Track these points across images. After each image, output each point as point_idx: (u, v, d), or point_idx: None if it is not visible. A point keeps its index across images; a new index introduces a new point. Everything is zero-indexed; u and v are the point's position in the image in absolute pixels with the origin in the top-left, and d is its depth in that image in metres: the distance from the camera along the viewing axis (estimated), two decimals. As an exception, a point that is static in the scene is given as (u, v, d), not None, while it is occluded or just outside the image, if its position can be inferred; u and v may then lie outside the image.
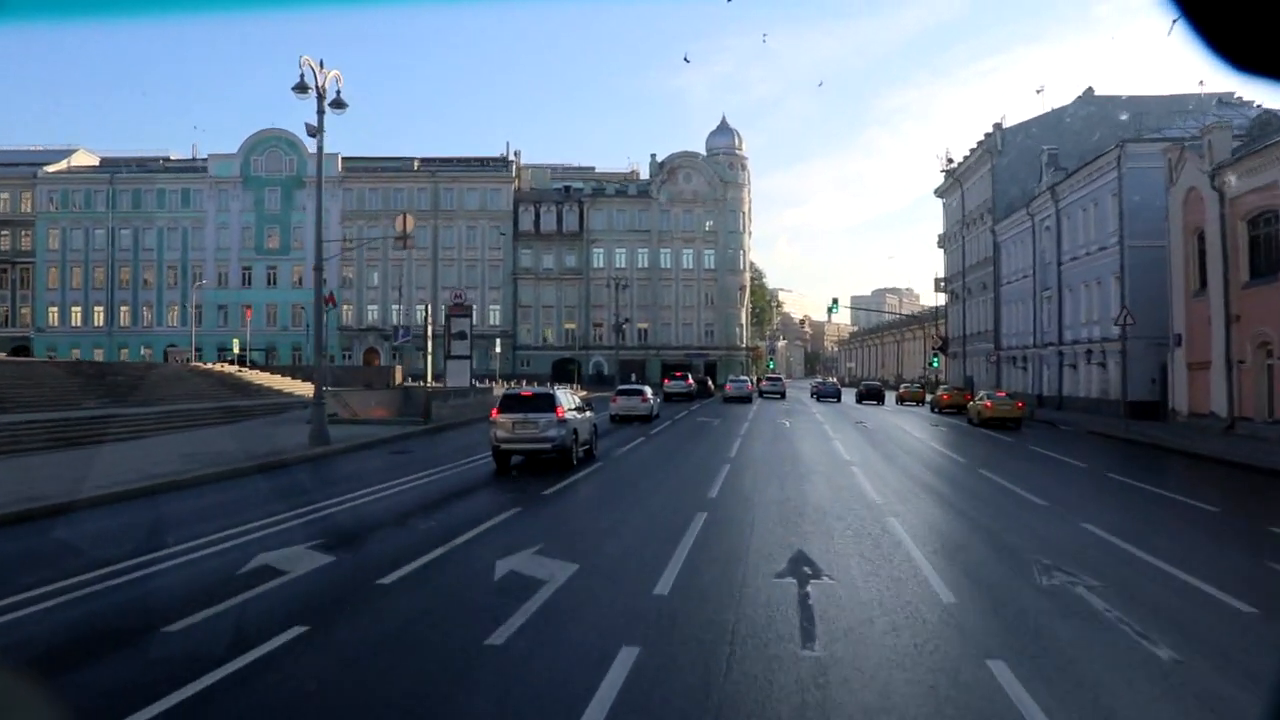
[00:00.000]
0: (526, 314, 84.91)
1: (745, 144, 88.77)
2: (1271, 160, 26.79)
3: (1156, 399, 35.42)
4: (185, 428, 27.86)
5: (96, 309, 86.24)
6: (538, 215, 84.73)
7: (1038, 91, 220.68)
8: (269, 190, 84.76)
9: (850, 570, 9.57)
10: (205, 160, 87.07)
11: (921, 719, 5.63)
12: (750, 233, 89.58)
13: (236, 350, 68.63)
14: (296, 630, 7.28)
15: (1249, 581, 9.37)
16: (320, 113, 23.93)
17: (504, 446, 18.84)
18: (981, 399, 36.88)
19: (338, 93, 24.32)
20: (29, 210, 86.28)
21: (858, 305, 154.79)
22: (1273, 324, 27.04)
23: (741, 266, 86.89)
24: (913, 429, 33.76)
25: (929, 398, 54.03)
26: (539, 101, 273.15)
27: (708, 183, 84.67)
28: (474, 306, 77.40)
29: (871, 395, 57.38)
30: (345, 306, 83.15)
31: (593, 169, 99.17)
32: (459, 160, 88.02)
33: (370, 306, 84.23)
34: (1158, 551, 10.63)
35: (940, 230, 77.26)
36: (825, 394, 61.04)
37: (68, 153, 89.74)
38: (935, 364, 75.45)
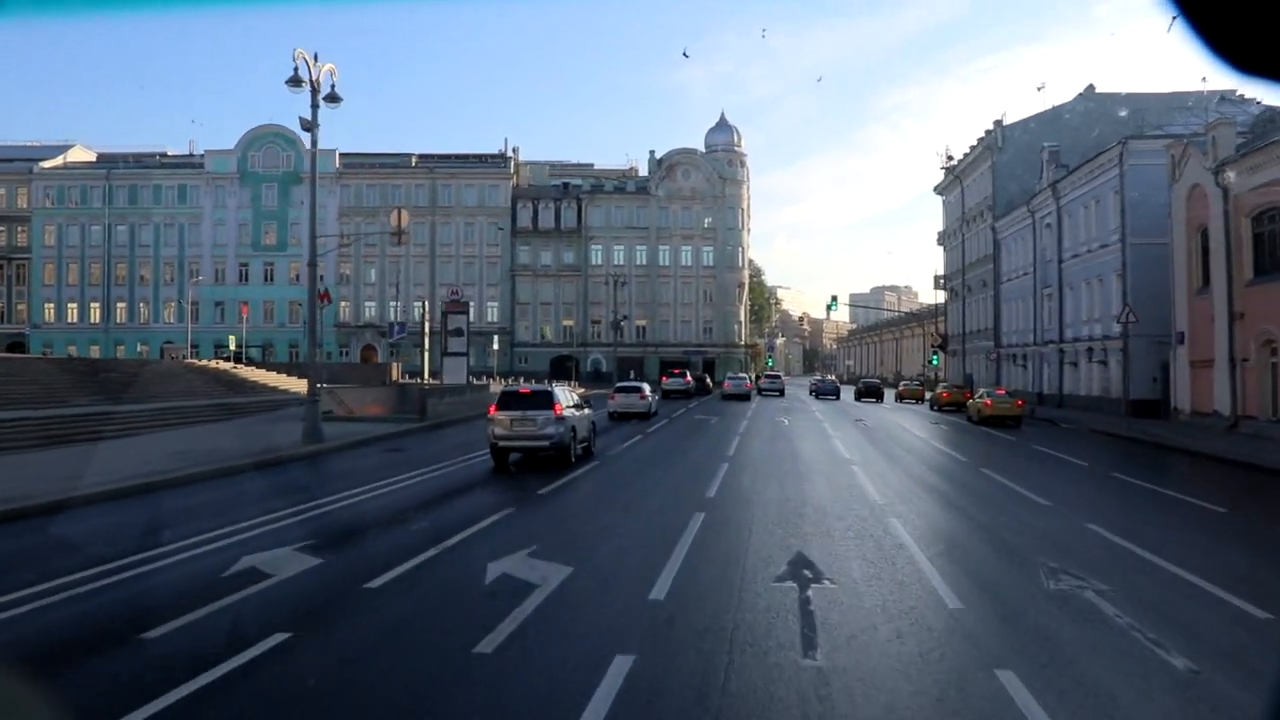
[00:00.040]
0: (524, 311, 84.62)
1: (744, 141, 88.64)
2: (1276, 157, 26.54)
3: (1158, 397, 35.18)
4: (178, 425, 27.58)
5: (93, 305, 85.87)
6: (536, 212, 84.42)
7: (1039, 89, 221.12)
8: (266, 186, 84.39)
9: (852, 573, 9.30)
10: (202, 156, 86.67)
11: (929, 734, 5.37)
12: (749, 230, 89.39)
13: (232, 347, 68.26)
14: (279, 637, 7.01)
15: (1262, 585, 9.10)
16: (314, 107, 23.64)
17: (502, 444, 18.73)
18: (981, 397, 36.67)
19: (332, 87, 24.02)
20: (25, 206, 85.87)
21: (856, 303, 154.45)
22: (1277, 322, 26.80)
23: (740, 264, 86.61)
24: (913, 427, 33.51)
25: (928, 395, 53.81)
26: (538, 98, 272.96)
27: (706, 179, 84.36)
28: (472, 303, 77.15)
29: (870, 393, 57.12)
30: (343, 303, 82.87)
31: (591, 165, 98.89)
32: (457, 156, 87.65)
33: (368, 303, 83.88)
34: (1166, 554, 10.37)
35: (940, 228, 77.01)
36: (824, 392, 60.79)
37: (64, 148, 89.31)
38: (935, 362, 75.23)
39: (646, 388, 36.68)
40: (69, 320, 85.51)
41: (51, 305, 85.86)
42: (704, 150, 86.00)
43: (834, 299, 72.13)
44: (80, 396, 30.41)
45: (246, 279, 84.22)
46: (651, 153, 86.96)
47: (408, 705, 5.78)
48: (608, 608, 8.09)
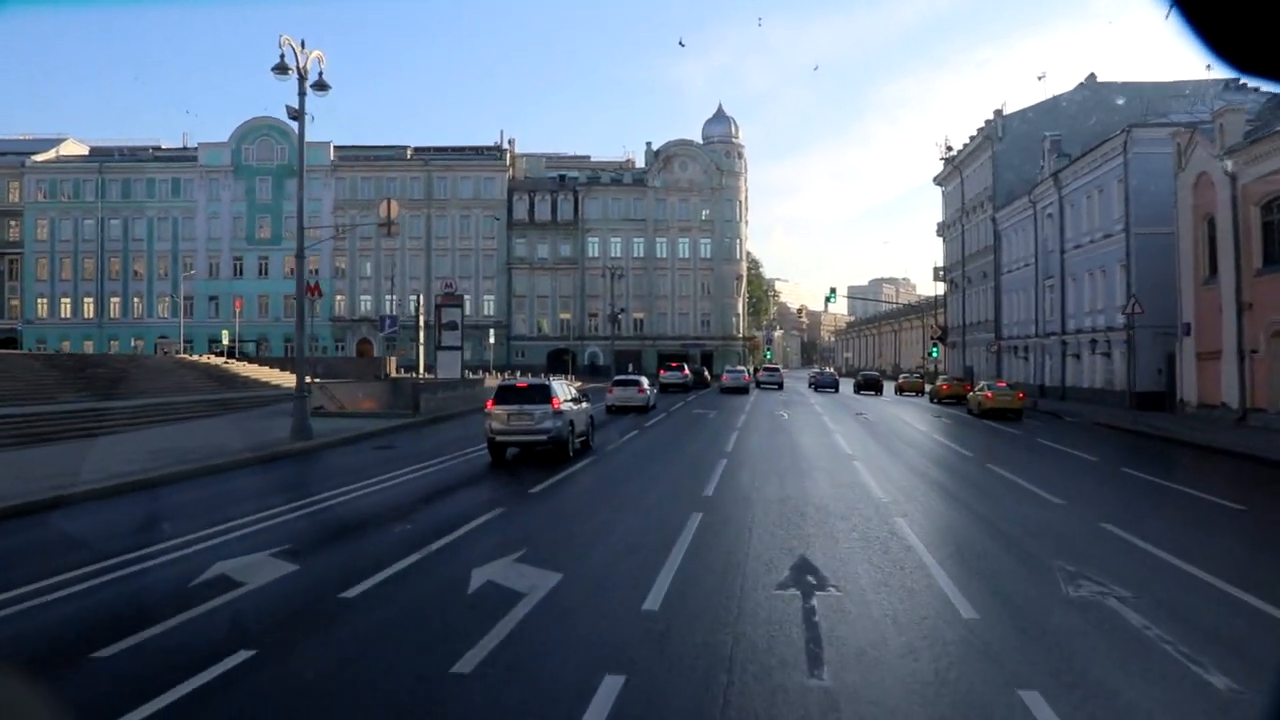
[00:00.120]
0: (521, 304, 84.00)
1: (742, 133, 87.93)
2: (1286, 144, 25.98)
3: (1163, 390, 34.65)
4: (164, 422, 27.01)
5: (86, 300, 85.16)
6: (532, 204, 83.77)
7: (1040, 78, 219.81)
8: (260, 179, 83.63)
9: (859, 580, 8.76)
10: (196, 149, 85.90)
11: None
12: (747, 222, 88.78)
13: (225, 342, 67.63)
14: (242, 655, 6.48)
15: (1295, 591, 8.56)
16: (301, 95, 23.09)
17: (499, 438, 18.50)
18: (982, 389, 36.18)
19: (320, 74, 23.49)
20: (17, 200, 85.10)
21: (855, 295, 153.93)
22: (1287, 312, 26.29)
23: (738, 256, 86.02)
24: (914, 420, 32.99)
25: (928, 388, 53.31)
26: (534, 92, 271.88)
27: (704, 171, 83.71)
28: (468, 297, 76.73)
29: (870, 385, 56.61)
30: (338, 297, 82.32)
31: (588, 158, 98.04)
32: (453, 149, 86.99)
33: (363, 297, 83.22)
34: (1189, 556, 9.83)
35: (939, 219, 76.42)
36: (823, 384, 60.24)
37: (56, 142, 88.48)
38: (935, 354, 74.69)
39: (645, 381, 36.27)
40: (62, 315, 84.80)
41: (45, 300, 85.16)
42: (701, 142, 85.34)
43: (832, 291, 71.57)
44: (67, 393, 29.85)
45: (241, 273, 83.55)
46: (648, 144, 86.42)
47: (373, 736, 5.25)
48: (598, 620, 7.54)
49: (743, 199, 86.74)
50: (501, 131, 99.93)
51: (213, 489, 15.63)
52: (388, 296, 75.87)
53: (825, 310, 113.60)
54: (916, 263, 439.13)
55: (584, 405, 21.28)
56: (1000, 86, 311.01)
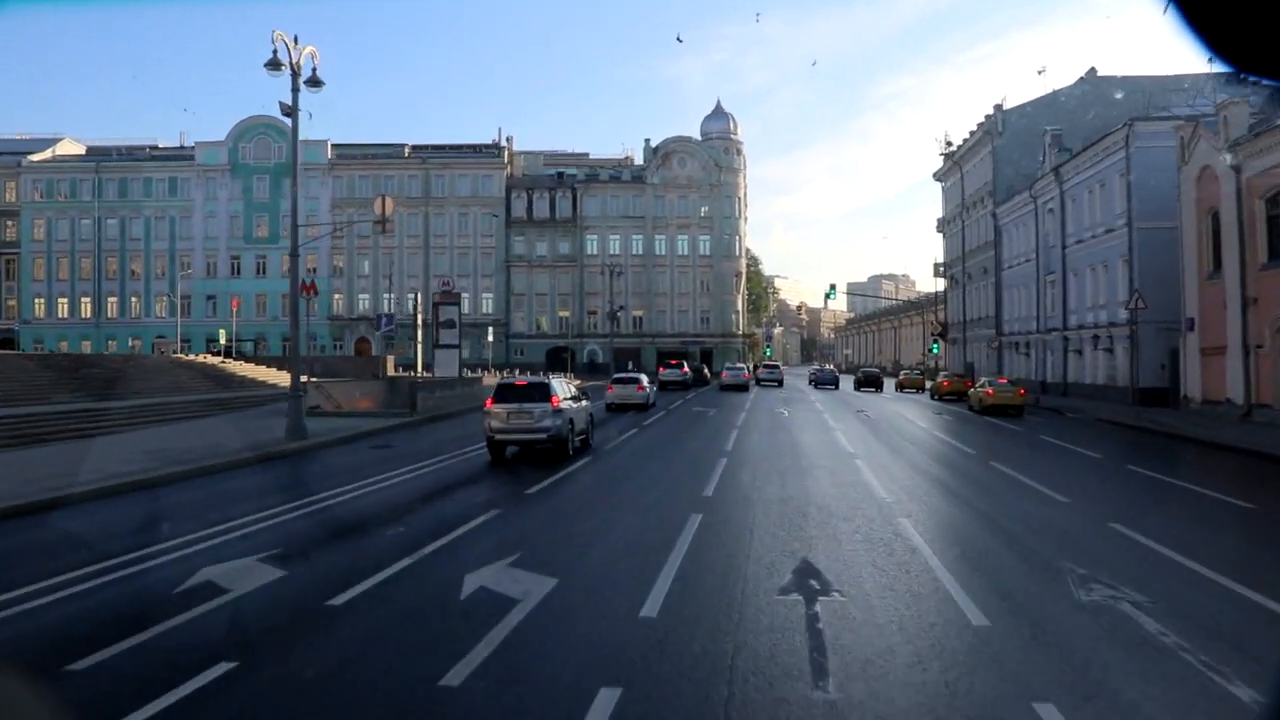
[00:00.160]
0: (520, 302, 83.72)
1: (740, 129, 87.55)
2: (1290, 137, 25.69)
3: (1166, 385, 34.38)
4: (160, 422, 26.75)
5: (83, 300, 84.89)
6: (530, 202, 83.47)
7: (1040, 72, 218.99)
8: (257, 178, 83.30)
9: (863, 584, 8.49)
10: (193, 148, 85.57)
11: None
12: (746, 218, 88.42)
13: (223, 341, 67.35)
14: (223, 667, 6.22)
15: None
16: (295, 90, 22.83)
17: (498, 437, 18.41)
18: (983, 386, 35.95)
19: (314, 70, 23.21)
20: (14, 200, 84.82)
21: (855, 291, 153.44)
22: (1293, 307, 26.00)
23: (737, 252, 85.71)
24: (916, 418, 32.71)
25: (929, 385, 53.04)
26: (532, 89, 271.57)
27: (702, 167, 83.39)
28: (466, 295, 76.43)
29: (870, 382, 56.34)
30: (336, 295, 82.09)
31: (586, 155, 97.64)
32: (450, 147, 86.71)
33: (361, 295, 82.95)
34: (1200, 557, 9.56)
35: (939, 214, 76.15)
36: (823, 381, 59.98)
37: (52, 141, 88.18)
38: (935, 350, 74.42)
39: (644, 379, 36.09)
40: (59, 315, 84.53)
41: (42, 300, 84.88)
42: (700, 138, 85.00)
43: (832, 287, 71.23)
44: (61, 393, 29.58)
45: (239, 272, 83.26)
46: (647, 141, 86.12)
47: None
48: (594, 628, 7.27)
49: (741, 195, 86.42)
50: (499, 129, 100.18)
51: (205, 490, 15.39)
52: (386, 295, 75.56)
53: (825, 307, 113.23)
54: (916, 259, 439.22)
55: (584, 403, 21.16)
56: (999, 82, 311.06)
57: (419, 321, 45.06)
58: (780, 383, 59.54)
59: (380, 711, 5.60)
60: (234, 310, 74.31)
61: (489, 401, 18.87)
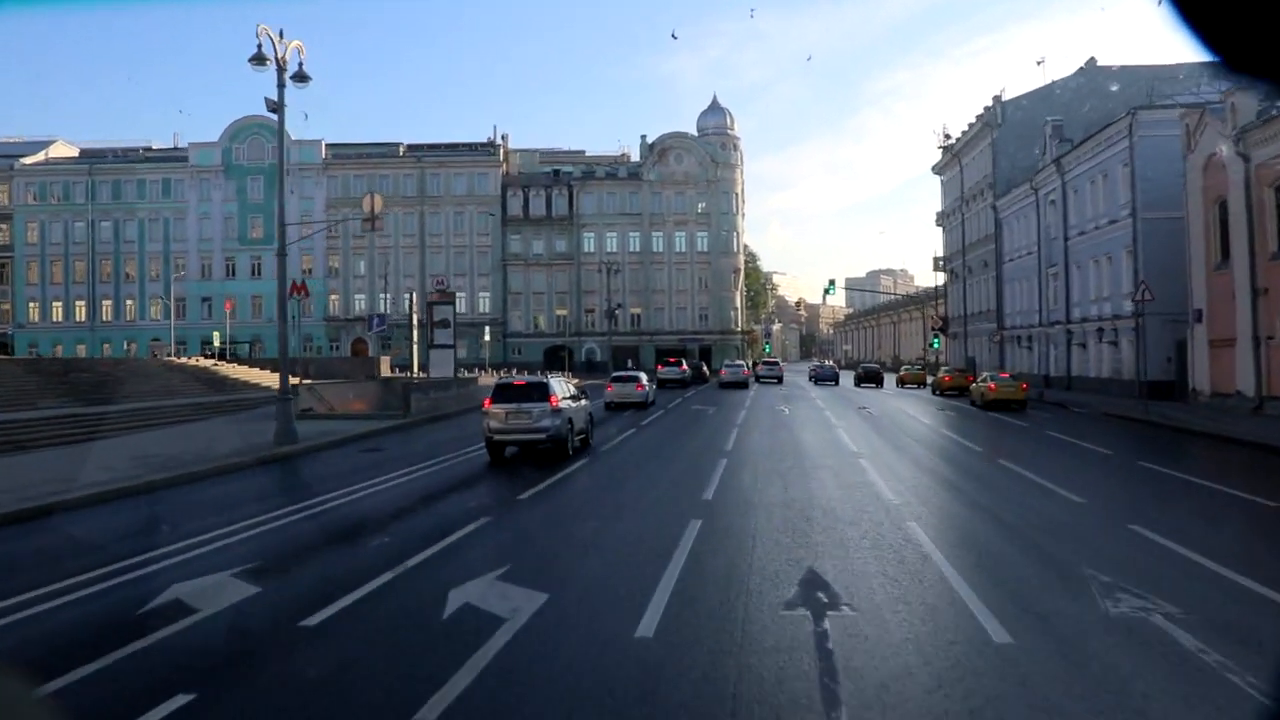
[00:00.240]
0: (517, 301, 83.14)
1: (737, 124, 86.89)
2: (1300, 123, 25.13)
3: (1173, 378, 33.86)
4: (149, 427, 26.19)
5: (78, 303, 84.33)
6: (526, 199, 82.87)
7: (1038, 63, 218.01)
8: (251, 179, 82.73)
9: (874, 596, 7.94)
10: (186, 149, 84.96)
11: None
12: (743, 214, 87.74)
13: (217, 343, 66.77)
14: (179, 700, 5.69)
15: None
16: (280, 86, 22.35)
17: (497, 438, 18.21)
18: (985, 380, 35.52)
19: (300, 65, 22.72)
20: (6, 203, 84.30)
21: (854, 286, 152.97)
22: (1304, 297, 25.45)
23: (735, 249, 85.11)
24: (918, 414, 32.20)
25: (930, 380, 52.56)
26: (527, 88, 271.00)
27: (699, 163, 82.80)
28: (463, 294, 75.91)
29: (870, 378, 55.91)
30: (332, 296, 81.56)
31: (583, 152, 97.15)
32: (446, 145, 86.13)
33: (357, 296, 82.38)
34: (1229, 561, 9.01)
35: (938, 208, 75.66)
36: (823, 377, 59.59)
37: (45, 144, 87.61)
38: (936, 345, 73.90)
39: (644, 377, 35.69)
40: (54, 319, 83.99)
41: (36, 304, 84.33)
42: (696, 134, 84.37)
43: (831, 283, 70.87)
44: (48, 398, 29.00)
45: (233, 274, 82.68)
46: (643, 137, 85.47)
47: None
48: (585, 651, 6.71)
49: (739, 191, 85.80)
50: (495, 127, 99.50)
51: (188, 498, 14.89)
52: (382, 295, 75.01)
53: (823, 303, 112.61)
54: (914, 254, 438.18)
55: (583, 403, 20.92)
56: (996, 76, 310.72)
57: (414, 321, 44.47)
58: (780, 379, 59.05)
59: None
60: (228, 312, 73.65)
61: (487, 402, 18.68)
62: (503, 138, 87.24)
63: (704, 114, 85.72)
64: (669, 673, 6.12)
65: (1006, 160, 55.55)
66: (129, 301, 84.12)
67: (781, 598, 7.84)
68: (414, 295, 54.29)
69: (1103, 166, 40.33)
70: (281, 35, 22.29)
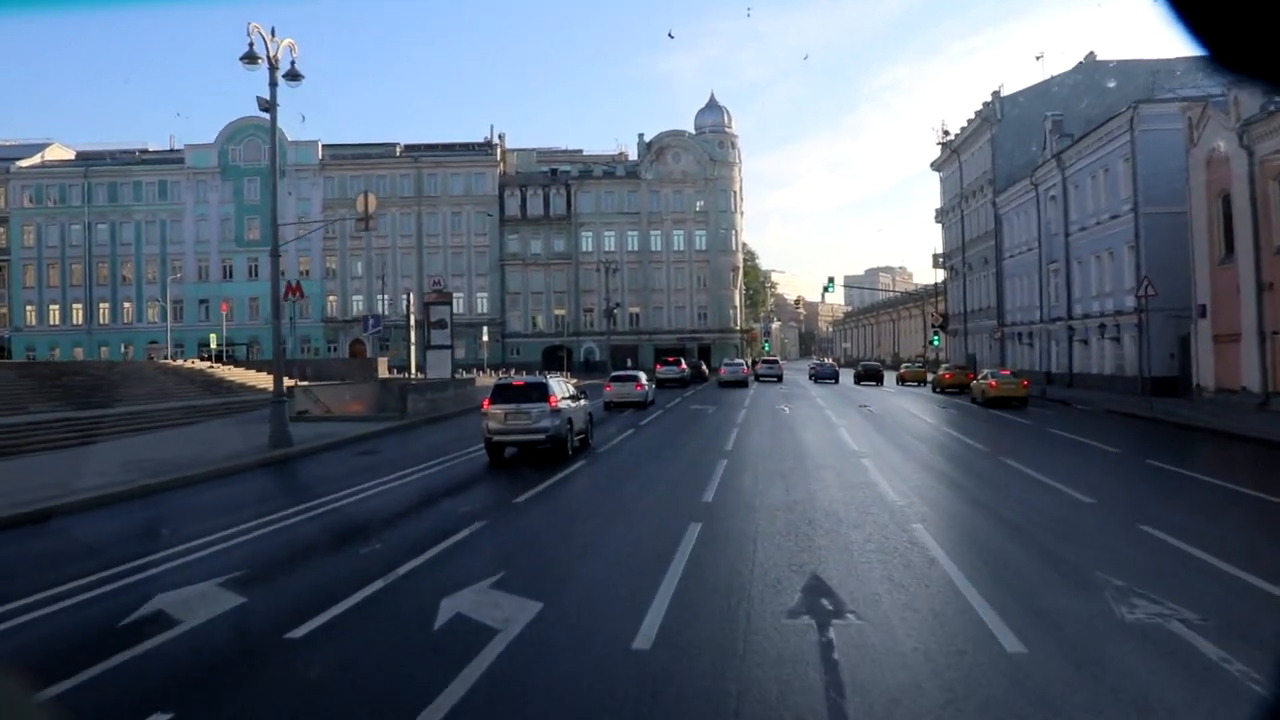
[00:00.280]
0: (515, 300, 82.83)
1: (734, 122, 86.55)
2: (1304, 115, 24.84)
3: (1176, 375, 33.58)
4: (141, 431, 25.90)
5: (75, 306, 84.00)
6: (524, 199, 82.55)
7: (1038, 58, 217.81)
8: (248, 180, 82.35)
9: (880, 603, 7.66)
10: (182, 151, 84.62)
11: None
12: (742, 212, 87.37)
13: (213, 345, 66.48)
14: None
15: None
16: (273, 85, 22.11)
17: (496, 438, 18.10)
18: (986, 378, 35.29)
19: (292, 63, 22.48)
20: (3, 206, 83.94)
21: (853, 284, 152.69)
22: (1310, 292, 25.15)
23: (734, 247, 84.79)
24: (920, 412, 31.93)
25: (930, 378, 52.31)
26: (524, 88, 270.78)
27: (697, 162, 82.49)
28: (461, 294, 75.62)
29: (870, 376, 55.68)
30: (330, 298, 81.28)
31: (580, 151, 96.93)
32: (442, 146, 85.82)
33: (355, 297, 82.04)
34: (1244, 563, 8.73)
35: (937, 205, 75.36)
36: (823, 375, 59.34)
37: (41, 146, 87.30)
38: (936, 342, 73.64)
39: (643, 376, 35.51)
40: (51, 322, 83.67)
41: (33, 308, 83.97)
42: (694, 132, 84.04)
43: (830, 280, 70.62)
44: (40, 403, 28.73)
45: (231, 275, 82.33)
46: (640, 135, 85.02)
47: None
48: (580, 665, 6.43)
49: (737, 189, 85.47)
50: (491, 126, 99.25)
51: (177, 504, 14.64)
52: (380, 296, 74.71)
53: (822, 300, 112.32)
54: (912, 251, 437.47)
55: (583, 402, 20.83)
56: (993, 72, 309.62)
57: (411, 322, 44.19)
58: (779, 378, 58.79)
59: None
60: (225, 314, 73.31)
61: (486, 402, 18.57)
62: (500, 137, 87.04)
63: (701, 112, 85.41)
64: (667, 688, 5.85)
65: (1006, 156, 55.26)
66: (126, 304, 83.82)
67: (784, 605, 7.57)
68: (411, 296, 54.10)
69: (1104, 161, 40.05)
70: (274, 33, 22.07)
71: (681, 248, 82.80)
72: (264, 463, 19.47)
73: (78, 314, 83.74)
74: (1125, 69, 48.74)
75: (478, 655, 6.37)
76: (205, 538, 11.18)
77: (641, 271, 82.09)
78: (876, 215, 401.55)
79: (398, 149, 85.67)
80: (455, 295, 67.16)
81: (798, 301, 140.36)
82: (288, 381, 30.48)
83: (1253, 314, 27.39)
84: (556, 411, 18.10)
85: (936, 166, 73.74)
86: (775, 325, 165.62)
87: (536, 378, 21.47)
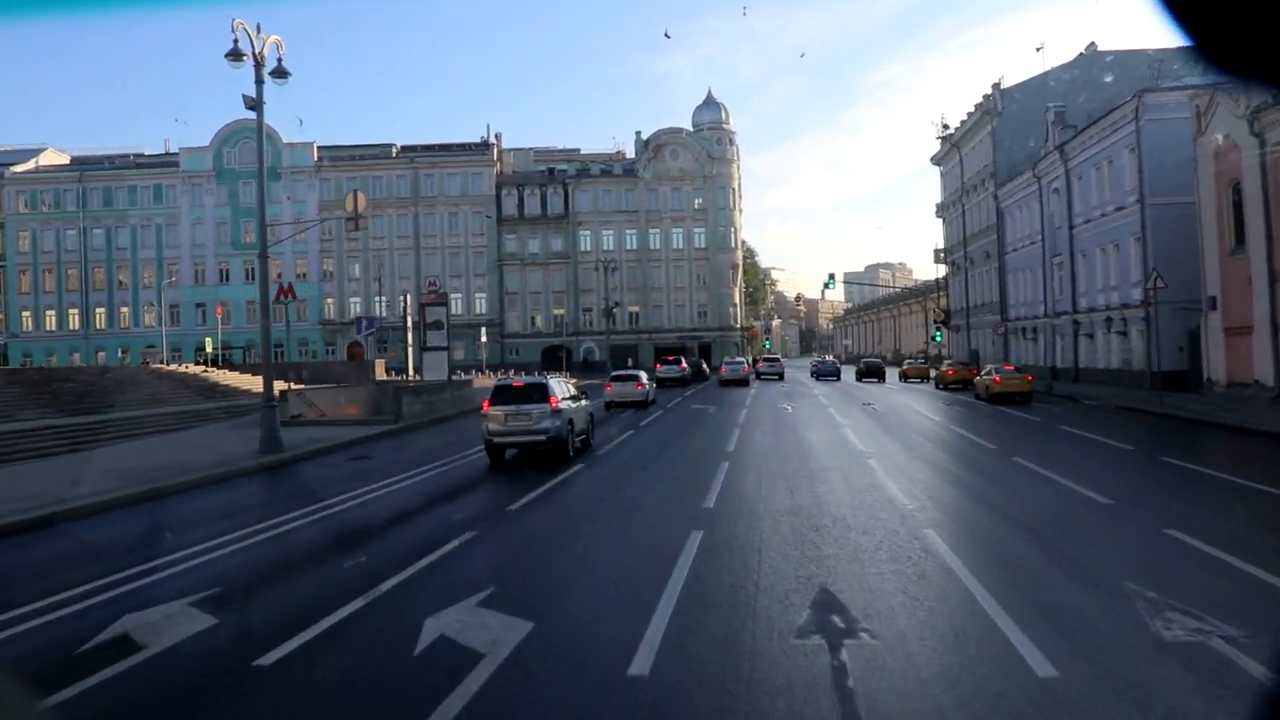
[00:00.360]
0: (513, 301, 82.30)
1: (732, 119, 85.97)
2: (1316, 101, 24.22)
3: (1185, 368, 33.00)
4: (131, 437, 25.38)
5: (71, 312, 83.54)
6: (521, 199, 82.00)
7: (1038, 49, 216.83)
8: (243, 183, 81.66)
9: (896, 620, 7.11)
10: (177, 154, 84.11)
11: None
12: (741, 210, 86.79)
13: (209, 349, 65.98)
14: (106, 761, 4.90)
15: None
16: (259, 82, 21.60)
17: (496, 440, 17.84)
18: (989, 373, 34.77)
19: (279, 60, 22.01)
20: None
21: (854, 280, 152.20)
22: (1323, 282, 24.56)
23: (733, 244, 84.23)
24: (925, 409, 31.39)
25: (933, 374, 51.78)
26: (520, 88, 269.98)
27: (695, 159, 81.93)
28: (459, 295, 75.20)
29: (872, 373, 55.17)
30: (328, 299, 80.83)
31: (577, 150, 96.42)
32: (439, 146, 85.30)
33: (353, 299, 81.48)
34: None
35: (938, 200, 74.78)
36: (825, 373, 58.82)
37: (35, 152, 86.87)
38: (938, 338, 73.11)
39: (643, 376, 35.17)
40: (47, 328, 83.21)
41: (29, 313, 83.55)
42: (691, 129, 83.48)
43: (831, 277, 70.34)
44: (29, 410, 28.20)
45: (227, 279, 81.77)
46: (638, 133, 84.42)
47: None
48: (571, 695, 5.90)
49: (735, 186, 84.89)
50: (488, 126, 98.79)
51: (159, 514, 14.10)
52: (377, 297, 74.19)
53: (822, 297, 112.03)
54: (912, 247, 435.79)
55: (583, 403, 20.52)
56: (990, 67, 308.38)
57: (409, 324, 43.68)
58: (781, 376, 58.27)
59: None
60: (220, 318, 72.81)
61: (486, 404, 18.32)
62: (496, 137, 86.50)
63: (699, 109, 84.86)
64: (667, 721, 5.31)
65: (1007, 149, 54.69)
66: (123, 309, 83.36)
67: (792, 623, 7.02)
68: (408, 297, 53.56)
69: (1108, 152, 39.47)
70: (259, 30, 21.59)
71: (680, 246, 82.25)
72: (253, 470, 18.96)
73: (74, 319, 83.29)
74: (1126, 60, 48.11)
75: (461, 683, 5.84)
76: (182, 551, 10.68)
77: (640, 270, 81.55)
78: (875, 212, 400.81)
79: (394, 150, 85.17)
80: (453, 296, 66.79)
81: (798, 299, 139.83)
82: (280, 385, 29.93)
83: (1265, 305, 26.80)
84: (557, 412, 17.87)
85: (936, 161, 73.19)
86: (776, 323, 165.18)
87: (536, 378, 21.16)
